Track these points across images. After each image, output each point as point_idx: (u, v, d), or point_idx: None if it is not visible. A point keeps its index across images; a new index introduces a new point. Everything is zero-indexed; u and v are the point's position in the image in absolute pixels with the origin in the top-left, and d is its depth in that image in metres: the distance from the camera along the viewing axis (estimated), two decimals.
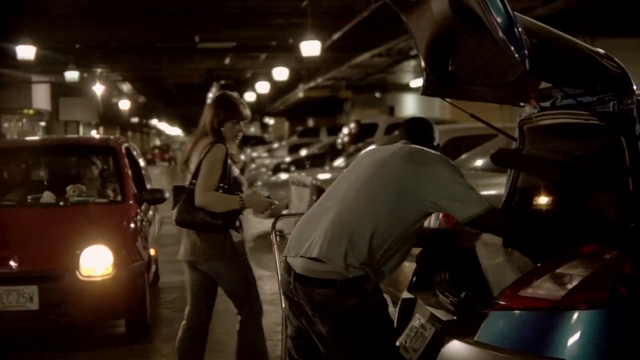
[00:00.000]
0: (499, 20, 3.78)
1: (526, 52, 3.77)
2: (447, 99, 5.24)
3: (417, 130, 4.70)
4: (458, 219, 4.25)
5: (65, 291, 7.41)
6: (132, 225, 8.24)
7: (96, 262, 7.55)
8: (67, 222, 8.04)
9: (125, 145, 9.43)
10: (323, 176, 12.04)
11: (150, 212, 9.69)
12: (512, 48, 3.78)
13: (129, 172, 8.85)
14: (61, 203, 8.35)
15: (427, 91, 5.03)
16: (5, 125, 32.02)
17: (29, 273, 7.43)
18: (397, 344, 4.64)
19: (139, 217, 8.50)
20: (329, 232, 4.15)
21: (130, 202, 8.48)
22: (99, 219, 8.13)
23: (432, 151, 4.50)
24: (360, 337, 4.14)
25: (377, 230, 4.13)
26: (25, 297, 7.31)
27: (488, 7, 3.79)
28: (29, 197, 8.66)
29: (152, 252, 9.02)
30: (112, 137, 10.05)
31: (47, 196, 8.49)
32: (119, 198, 8.67)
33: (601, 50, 4.47)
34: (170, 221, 6.37)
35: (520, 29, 3.78)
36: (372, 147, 4.67)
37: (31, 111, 32.68)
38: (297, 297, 4.21)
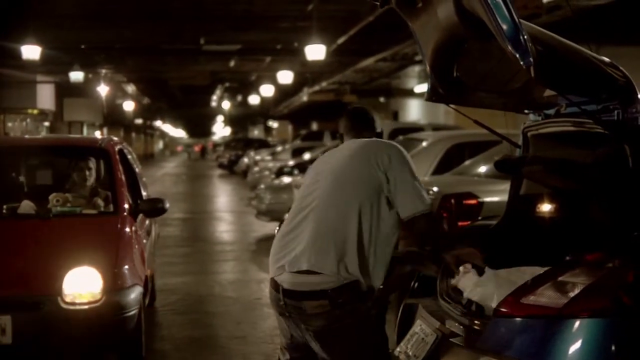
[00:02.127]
0: (504, 27, 3.79)
1: (531, 59, 3.77)
2: (452, 105, 5.24)
3: (361, 122, 4.65)
4: (401, 214, 4.19)
5: (44, 321, 6.04)
6: (126, 241, 6.82)
7: (82, 286, 6.18)
8: (48, 238, 6.68)
9: (118, 147, 8.05)
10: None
11: (147, 226, 8.20)
12: (517, 55, 3.79)
13: (123, 178, 7.50)
14: (42, 215, 6.99)
15: (431, 97, 5.03)
16: (10, 125, 32.04)
17: (1, 300, 6.06)
18: (398, 349, 4.64)
19: (134, 231, 7.06)
20: (314, 242, 4.10)
21: (124, 213, 7.07)
22: (86, 234, 6.81)
23: (387, 141, 4.45)
24: (355, 344, 4.15)
25: (361, 231, 4.11)
26: None
27: (494, 14, 3.79)
28: (4, 207, 7.19)
29: (148, 272, 7.65)
30: (103, 137, 8.78)
31: (26, 206, 7.14)
32: (111, 209, 7.24)
33: (606, 59, 4.47)
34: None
35: (525, 36, 3.78)
36: (325, 154, 4.68)
37: (35, 111, 32.72)
38: (289, 312, 4.18)
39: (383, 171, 4.16)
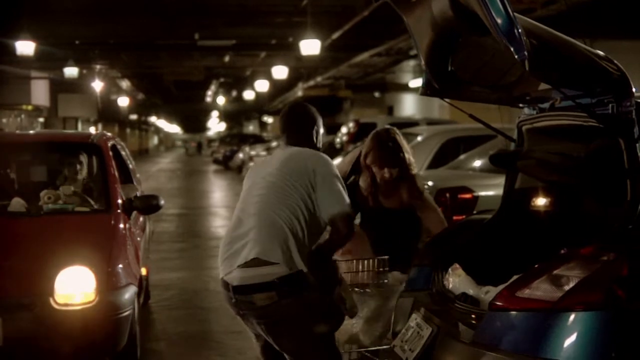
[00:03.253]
0: (499, 21, 3.79)
1: (526, 53, 3.77)
2: (447, 100, 5.24)
3: (296, 129, 4.81)
4: (325, 217, 4.45)
5: (36, 323, 5.85)
6: (120, 239, 6.62)
7: (75, 286, 6.00)
8: (39, 237, 6.49)
9: (111, 142, 7.89)
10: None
11: (141, 223, 8.04)
12: (512, 49, 3.79)
13: (116, 174, 7.31)
14: (33, 212, 6.83)
15: (426, 91, 5.03)
16: (4, 120, 31.98)
17: None
18: (394, 343, 4.65)
19: (127, 229, 6.89)
20: (259, 236, 4.34)
21: (118, 211, 6.87)
22: (79, 232, 6.61)
23: (312, 153, 4.63)
24: (304, 334, 4.35)
25: (296, 226, 4.36)
26: None
27: (488, 8, 3.79)
28: None
29: (143, 271, 7.48)
30: (96, 133, 8.48)
31: (16, 204, 6.92)
32: (104, 206, 7.00)
33: (601, 53, 4.47)
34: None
35: (520, 30, 3.78)
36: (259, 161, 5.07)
37: (30, 107, 32.67)
38: (241, 310, 4.39)
39: (310, 184, 4.44)
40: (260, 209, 4.43)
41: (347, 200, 4.49)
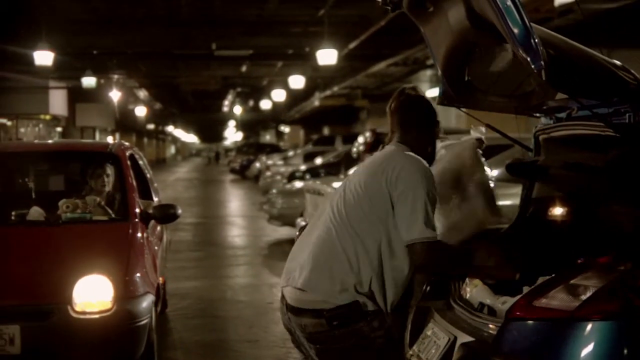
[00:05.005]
0: (515, 31, 3.79)
1: (542, 62, 3.77)
2: (463, 109, 5.25)
3: (412, 117, 4.19)
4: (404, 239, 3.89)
5: (54, 331, 5.87)
6: (137, 248, 6.65)
7: (93, 295, 6.02)
8: (57, 245, 6.53)
9: (129, 152, 7.92)
10: (338, 185, 12.06)
11: (158, 232, 8.06)
12: (528, 59, 3.79)
13: (134, 184, 7.34)
14: (52, 221, 6.87)
15: (443, 101, 5.03)
16: (22, 130, 32.18)
17: (9, 309, 5.89)
18: (410, 352, 4.65)
19: (145, 238, 6.92)
20: (312, 259, 3.93)
21: (135, 220, 6.90)
22: (97, 241, 6.61)
23: (403, 154, 4.02)
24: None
25: (367, 250, 3.88)
26: (5, 338, 5.80)
27: (505, 18, 3.80)
28: (12, 213, 7.02)
29: (160, 280, 7.50)
30: (114, 142, 8.54)
31: (35, 213, 6.98)
32: (122, 215, 7.05)
33: (618, 62, 4.47)
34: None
35: (536, 40, 3.79)
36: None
37: (48, 117, 32.87)
38: (293, 328, 4.02)
39: (389, 191, 3.89)
40: (327, 226, 3.96)
41: (432, 222, 3.86)
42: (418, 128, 4.16)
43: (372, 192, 3.92)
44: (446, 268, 4.27)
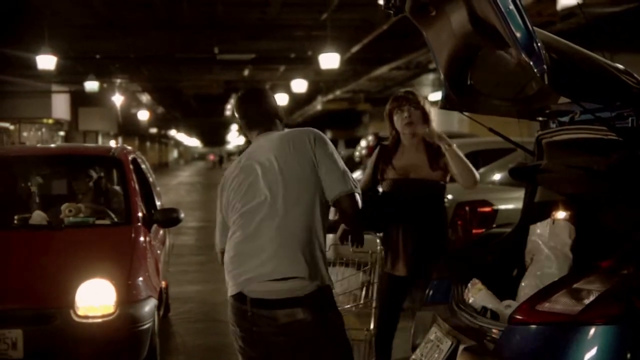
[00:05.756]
0: (518, 35, 3.79)
1: (545, 66, 3.77)
2: (466, 113, 5.25)
3: (267, 112, 4.34)
4: (328, 197, 4.04)
5: (57, 335, 5.89)
6: (140, 252, 6.65)
7: (95, 299, 6.03)
8: (60, 249, 6.54)
9: (131, 156, 7.88)
10: None
11: (161, 236, 8.08)
12: (531, 62, 3.79)
13: (137, 187, 7.35)
14: (54, 225, 6.87)
15: (446, 105, 5.04)
16: (25, 134, 32.19)
17: (12, 313, 5.90)
18: (414, 357, 4.64)
19: (148, 242, 6.94)
20: (281, 248, 3.93)
21: (138, 224, 6.91)
22: (99, 245, 6.63)
23: (300, 129, 4.28)
24: (325, 356, 4.01)
25: (317, 232, 3.99)
26: (7, 342, 5.80)
27: (507, 22, 3.80)
28: (15, 217, 7.05)
29: (163, 284, 7.50)
30: (116, 146, 8.46)
31: (38, 217, 7.00)
32: (124, 219, 7.08)
33: (620, 66, 4.46)
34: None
35: (539, 44, 3.79)
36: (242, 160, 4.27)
37: (51, 121, 32.86)
38: (257, 325, 3.95)
39: (314, 163, 4.03)
40: (277, 216, 3.97)
41: (352, 177, 4.06)
42: None
43: (298, 165, 4.03)
44: (365, 218, 4.49)
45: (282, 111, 4.41)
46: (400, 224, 5.58)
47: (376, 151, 5.78)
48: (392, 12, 4.82)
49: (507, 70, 4.63)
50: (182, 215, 7.27)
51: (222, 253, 4.25)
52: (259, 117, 4.32)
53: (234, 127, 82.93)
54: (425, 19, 4.75)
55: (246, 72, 29.70)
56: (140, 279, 6.37)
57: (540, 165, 5.19)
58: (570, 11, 13.78)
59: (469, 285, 4.79)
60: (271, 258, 3.94)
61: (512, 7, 3.79)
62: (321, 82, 31.30)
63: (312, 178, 4.03)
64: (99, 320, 5.98)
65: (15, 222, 7.00)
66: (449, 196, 7.90)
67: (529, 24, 3.80)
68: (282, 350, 3.98)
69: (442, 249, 5.62)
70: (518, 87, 4.79)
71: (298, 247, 3.94)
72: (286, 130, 4.31)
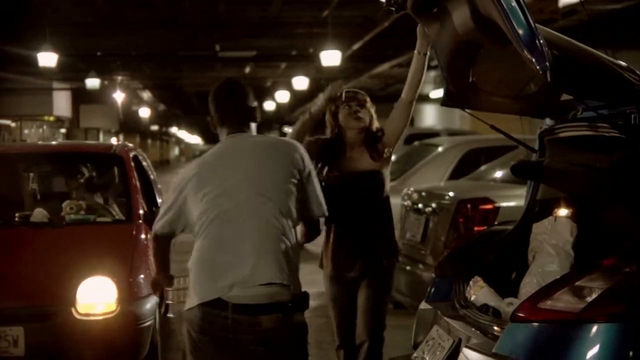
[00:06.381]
0: (520, 32, 3.78)
1: (547, 64, 3.76)
2: (467, 110, 5.24)
3: (247, 108, 4.21)
4: (316, 213, 4.15)
5: (58, 333, 5.89)
6: (141, 250, 6.56)
7: (97, 296, 6.03)
8: (61, 247, 6.51)
9: (132, 153, 7.89)
10: None
11: None
12: (533, 60, 3.78)
13: (138, 185, 7.33)
14: (55, 223, 6.85)
15: (447, 102, 5.03)
16: (26, 131, 32.18)
17: (13, 310, 5.92)
18: (415, 355, 4.64)
19: (149, 240, 6.23)
20: (261, 254, 3.86)
21: (139, 221, 6.87)
22: (100, 242, 6.58)
23: (293, 141, 4.26)
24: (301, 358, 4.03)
25: (290, 240, 3.95)
26: (9, 340, 5.81)
27: (510, 19, 3.79)
28: (16, 214, 7.04)
29: None
30: (117, 143, 8.54)
31: (39, 214, 6.95)
32: (126, 217, 7.11)
33: (623, 63, 4.45)
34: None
35: (541, 41, 3.78)
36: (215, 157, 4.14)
37: (52, 118, 32.86)
38: (237, 332, 3.83)
39: (300, 180, 4.00)
40: (258, 222, 3.90)
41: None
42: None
43: (281, 175, 3.97)
44: None
45: (259, 113, 4.25)
46: (350, 221, 5.28)
47: (314, 145, 5.43)
48: (393, 9, 4.82)
49: (509, 67, 4.63)
50: None
51: (159, 236, 4.23)
52: (234, 114, 4.18)
53: None
54: (427, 16, 4.74)
55: (247, 70, 29.68)
56: (142, 276, 6.34)
57: (542, 162, 5.18)
58: (572, 8, 13.76)
59: (471, 282, 4.79)
60: (255, 263, 3.85)
61: (514, 4, 3.78)
62: (322, 80, 31.25)
63: (292, 190, 3.97)
64: (100, 317, 5.99)
65: (16, 219, 6.99)
66: (451, 194, 7.90)
67: (531, 21, 3.79)
68: (260, 357, 3.87)
69: (392, 242, 5.41)
70: (520, 84, 4.78)
71: (279, 253, 3.89)
72: (267, 135, 4.25)
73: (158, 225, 4.22)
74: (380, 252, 5.29)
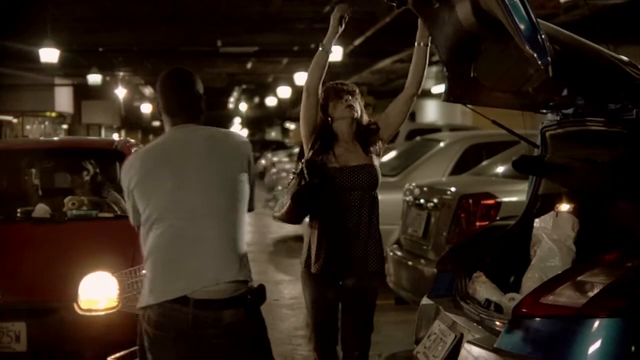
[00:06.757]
0: (522, 27, 3.78)
1: (549, 58, 3.76)
2: (469, 106, 5.24)
3: (197, 97, 4.06)
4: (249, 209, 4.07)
5: (60, 329, 5.88)
6: None
7: (99, 292, 6.00)
8: (63, 243, 6.47)
9: (134, 148, 7.65)
10: None
11: None
12: (535, 55, 3.78)
13: None
14: (57, 218, 6.81)
15: (449, 97, 5.02)
16: (28, 127, 32.21)
17: (15, 306, 5.90)
18: (417, 350, 4.65)
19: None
20: (226, 251, 3.85)
21: None
22: (102, 238, 6.54)
23: (244, 138, 4.22)
24: (261, 352, 4.01)
25: (243, 236, 3.96)
26: (11, 336, 5.82)
27: (511, 14, 3.79)
28: (18, 210, 6.99)
29: None
30: (119, 139, 8.29)
31: (41, 210, 6.90)
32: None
33: (625, 58, 4.45)
34: None
35: (543, 36, 3.78)
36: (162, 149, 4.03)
37: (54, 114, 32.89)
38: (198, 327, 3.79)
39: (247, 167, 3.99)
40: (216, 218, 3.86)
41: None
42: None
43: (233, 171, 3.92)
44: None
45: (204, 103, 4.11)
46: (344, 218, 5.10)
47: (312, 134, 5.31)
48: (394, 4, 4.81)
49: (510, 62, 4.62)
50: None
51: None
52: (184, 104, 4.02)
53: (237, 120, 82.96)
54: (428, 12, 4.74)
55: (249, 65, 29.68)
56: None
57: (544, 158, 5.18)
58: (573, 3, 13.76)
59: (473, 278, 4.79)
60: (218, 263, 3.83)
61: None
62: (324, 75, 31.26)
63: (243, 186, 3.95)
64: (102, 313, 5.96)
65: (18, 215, 6.96)
66: (452, 189, 7.90)
67: (533, 16, 3.79)
68: (222, 353, 3.86)
69: (381, 244, 5.17)
70: (522, 79, 4.77)
71: (238, 250, 3.89)
72: (215, 128, 4.09)
73: (131, 219, 4.18)
74: (371, 253, 5.08)
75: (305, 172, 5.07)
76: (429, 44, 5.09)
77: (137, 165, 3.94)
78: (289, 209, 5.10)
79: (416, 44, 5.16)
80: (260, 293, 3.95)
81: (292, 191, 5.15)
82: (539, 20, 3.84)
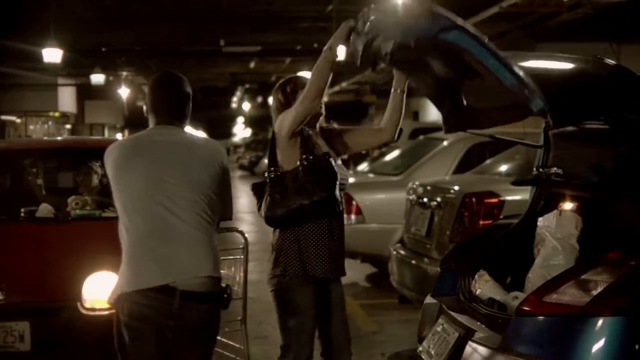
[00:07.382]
0: (508, 83, 3.81)
1: (541, 102, 3.78)
2: (469, 131, 5.24)
3: (185, 104, 4.24)
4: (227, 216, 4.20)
5: (64, 328, 5.92)
6: None
7: (102, 291, 5.82)
8: (67, 242, 6.49)
9: None
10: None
11: None
12: (529, 104, 3.81)
13: None
14: (61, 218, 6.80)
15: (450, 129, 5.02)
16: (31, 127, 32.25)
17: (19, 305, 5.92)
18: (420, 348, 4.65)
19: None
20: (197, 245, 3.95)
21: None
22: (106, 238, 6.21)
23: (215, 142, 4.35)
24: (211, 348, 4.18)
25: (212, 233, 4.06)
26: (15, 335, 5.82)
27: (496, 75, 3.82)
28: (21, 210, 6.95)
29: None
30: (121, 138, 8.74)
31: (44, 209, 6.91)
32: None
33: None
34: None
35: (531, 87, 3.78)
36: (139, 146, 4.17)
37: (57, 114, 32.93)
38: (181, 319, 3.88)
39: (221, 173, 4.08)
40: (182, 214, 3.94)
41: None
42: None
43: (210, 176, 4.02)
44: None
45: (189, 110, 4.26)
46: (329, 214, 4.93)
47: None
48: (371, 68, 4.83)
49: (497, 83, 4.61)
50: None
51: None
52: (169, 105, 4.19)
53: (240, 120, 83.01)
54: (405, 65, 4.76)
55: (252, 65, 29.69)
56: None
57: (542, 174, 5.14)
58: (576, 1, 13.75)
59: (476, 276, 4.79)
60: (195, 254, 3.95)
61: (498, 64, 3.80)
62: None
63: (217, 190, 4.04)
64: (106, 312, 5.85)
65: (22, 214, 6.93)
66: (456, 187, 7.89)
67: (517, 72, 3.80)
68: (195, 345, 3.98)
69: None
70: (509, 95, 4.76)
71: (213, 248, 4.04)
72: (197, 135, 4.31)
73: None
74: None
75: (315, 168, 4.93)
76: (406, 90, 4.98)
77: (114, 154, 4.09)
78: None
79: (392, 90, 5.03)
80: (228, 292, 4.08)
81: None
82: (524, 65, 3.86)
